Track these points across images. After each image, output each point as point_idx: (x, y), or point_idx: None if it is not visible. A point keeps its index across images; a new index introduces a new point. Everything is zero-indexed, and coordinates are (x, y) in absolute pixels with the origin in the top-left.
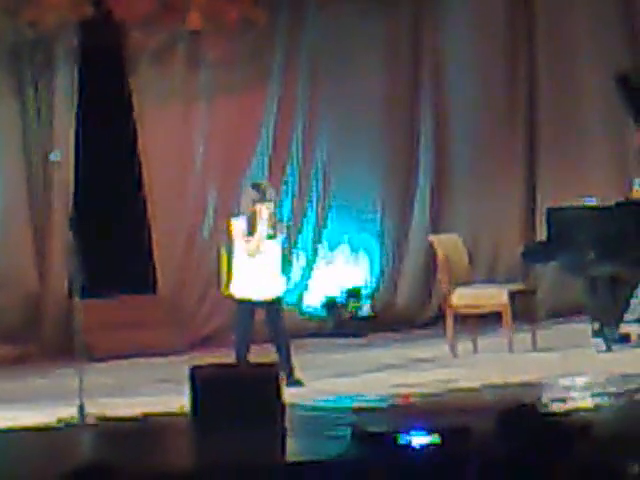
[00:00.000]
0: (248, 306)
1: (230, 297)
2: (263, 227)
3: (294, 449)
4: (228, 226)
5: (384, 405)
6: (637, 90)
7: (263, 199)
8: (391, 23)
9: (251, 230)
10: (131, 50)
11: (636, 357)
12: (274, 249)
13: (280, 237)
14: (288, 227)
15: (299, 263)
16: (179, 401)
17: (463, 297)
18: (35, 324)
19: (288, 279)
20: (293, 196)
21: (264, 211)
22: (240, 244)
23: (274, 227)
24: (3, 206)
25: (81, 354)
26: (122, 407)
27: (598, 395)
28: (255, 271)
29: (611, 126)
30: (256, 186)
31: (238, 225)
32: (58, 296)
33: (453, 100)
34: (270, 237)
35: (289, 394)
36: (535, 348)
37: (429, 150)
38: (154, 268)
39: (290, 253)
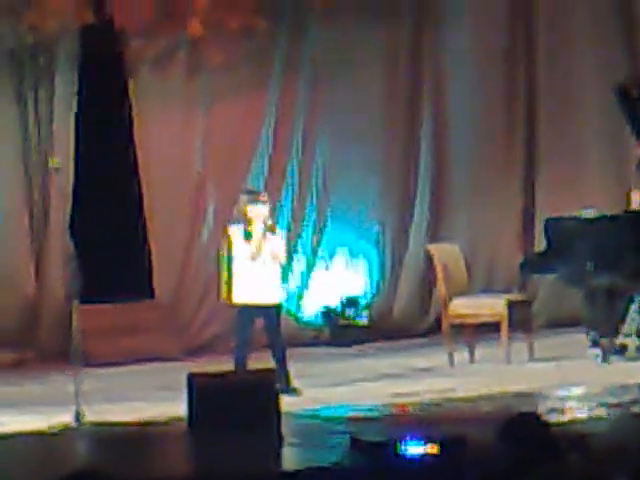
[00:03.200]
0: (248, 312)
1: (231, 304)
2: (259, 229)
3: (290, 457)
4: (225, 232)
5: (381, 414)
6: (636, 102)
7: (256, 202)
8: (391, 32)
9: (247, 233)
10: (131, 56)
11: (633, 368)
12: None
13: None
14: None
15: (297, 271)
16: (176, 408)
17: (461, 307)
18: (32, 329)
19: (286, 287)
20: (292, 203)
21: (258, 213)
22: (240, 249)
23: (271, 231)
24: (2, 211)
25: (78, 359)
26: (119, 413)
27: (595, 406)
28: (255, 276)
29: (609, 138)
30: (249, 191)
31: (235, 230)
32: (55, 301)
33: (452, 110)
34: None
35: (285, 402)
36: (532, 358)
37: (428, 159)
38: (152, 274)
39: (288, 261)
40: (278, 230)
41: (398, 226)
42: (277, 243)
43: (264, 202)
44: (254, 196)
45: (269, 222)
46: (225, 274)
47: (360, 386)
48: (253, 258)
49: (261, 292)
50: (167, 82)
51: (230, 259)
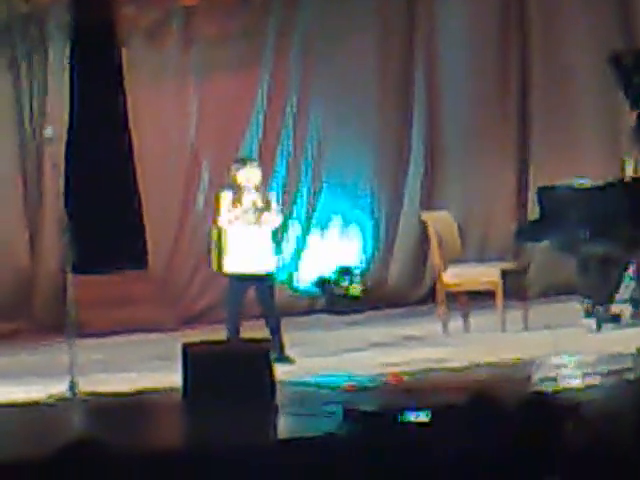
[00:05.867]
0: (240, 282)
1: (222, 273)
2: (248, 196)
3: (285, 426)
4: (216, 199)
5: (375, 383)
6: (630, 70)
7: (245, 169)
8: (385, 2)
9: (236, 199)
10: (124, 26)
11: (626, 337)
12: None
13: (271, 211)
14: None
15: (291, 240)
16: (171, 378)
17: (455, 275)
18: (26, 300)
19: (280, 256)
20: (285, 173)
21: (248, 180)
22: (223, 214)
23: (263, 200)
24: None
25: (72, 330)
26: (113, 383)
27: (589, 374)
28: (246, 245)
29: (603, 106)
30: (239, 159)
31: (225, 197)
32: (50, 272)
33: (446, 78)
34: (261, 210)
35: (280, 371)
36: (526, 327)
37: (422, 128)
38: (146, 244)
39: (282, 230)
40: (271, 196)
41: (392, 194)
42: (269, 209)
43: (253, 169)
44: (243, 163)
45: (260, 188)
46: (216, 243)
47: (355, 355)
48: (234, 221)
49: (253, 261)
50: (160, 52)
51: (220, 228)
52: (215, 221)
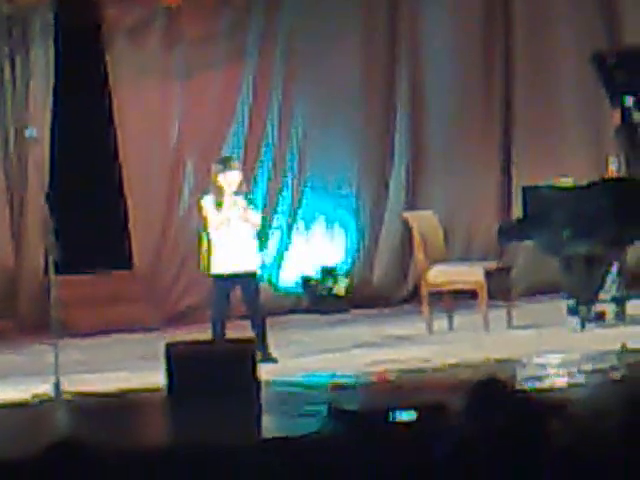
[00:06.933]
0: (225, 282)
1: (208, 274)
2: (229, 197)
3: (269, 426)
4: (198, 204)
5: (360, 382)
6: (613, 70)
7: (225, 170)
8: (368, 2)
9: (218, 201)
10: (108, 26)
11: (611, 335)
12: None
13: (252, 210)
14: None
15: (275, 239)
16: (155, 377)
17: (439, 275)
18: (11, 300)
19: (263, 255)
20: (269, 173)
21: (229, 182)
22: (212, 219)
23: (245, 199)
24: None
25: (57, 330)
26: (97, 383)
27: (573, 373)
28: (230, 245)
29: (587, 106)
30: (220, 160)
31: (208, 201)
32: (34, 272)
33: (430, 79)
34: (244, 209)
35: (264, 371)
36: (510, 326)
37: (405, 128)
38: (130, 244)
39: (265, 229)
40: (252, 194)
41: (376, 194)
42: (250, 208)
43: (234, 170)
44: (225, 164)
45: (242, 187)
46: (201, 245)
47: (339, 354)
48: (220, 227)
49: (237, 261)
50: (143, 52)
51: (205, 230)
52: (203, 226)
